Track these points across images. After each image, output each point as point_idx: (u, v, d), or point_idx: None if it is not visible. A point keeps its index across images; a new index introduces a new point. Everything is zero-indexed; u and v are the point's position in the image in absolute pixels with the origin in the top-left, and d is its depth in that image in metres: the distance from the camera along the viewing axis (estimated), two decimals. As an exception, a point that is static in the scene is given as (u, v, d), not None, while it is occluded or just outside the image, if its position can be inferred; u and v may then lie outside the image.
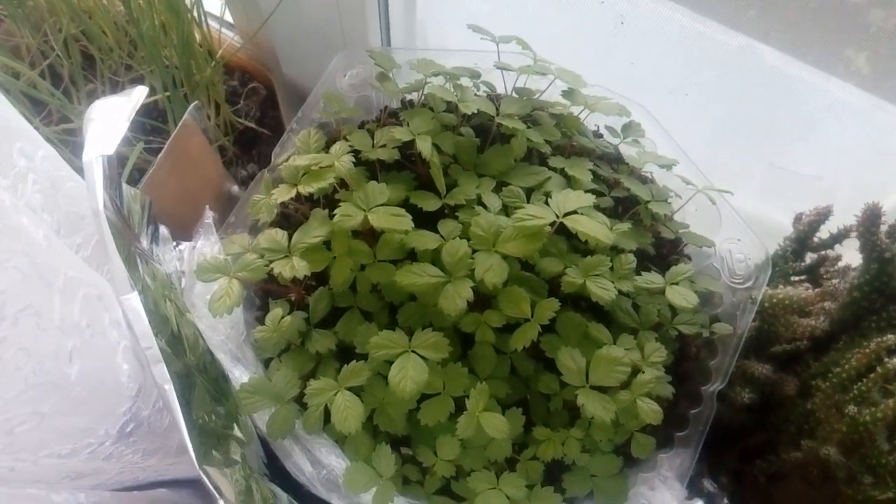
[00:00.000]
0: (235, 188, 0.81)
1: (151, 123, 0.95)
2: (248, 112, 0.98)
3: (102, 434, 0.34)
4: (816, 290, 0.58)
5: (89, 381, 0.31)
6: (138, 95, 0.43)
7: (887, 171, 0.73)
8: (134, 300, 0.35)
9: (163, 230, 0.57)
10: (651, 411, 0.52)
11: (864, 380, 0.55)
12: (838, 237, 0.64)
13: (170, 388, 0.35)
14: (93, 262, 0.43)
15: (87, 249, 0.43)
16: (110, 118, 0.40)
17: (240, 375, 0.55)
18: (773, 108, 0.77)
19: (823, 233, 0.66)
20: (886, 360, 0.53)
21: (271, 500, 0.43)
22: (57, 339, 0.29)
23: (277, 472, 0.54)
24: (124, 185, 0.50)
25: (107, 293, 0.37)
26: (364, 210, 0.53)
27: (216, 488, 0.35)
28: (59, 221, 0.40)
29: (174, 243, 0.59)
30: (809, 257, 0.67)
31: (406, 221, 0.53)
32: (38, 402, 0.29)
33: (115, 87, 0.98)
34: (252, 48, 0.97)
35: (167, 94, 0.90)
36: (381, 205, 0.54)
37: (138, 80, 0.98)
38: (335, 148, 0.57)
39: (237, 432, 0.45)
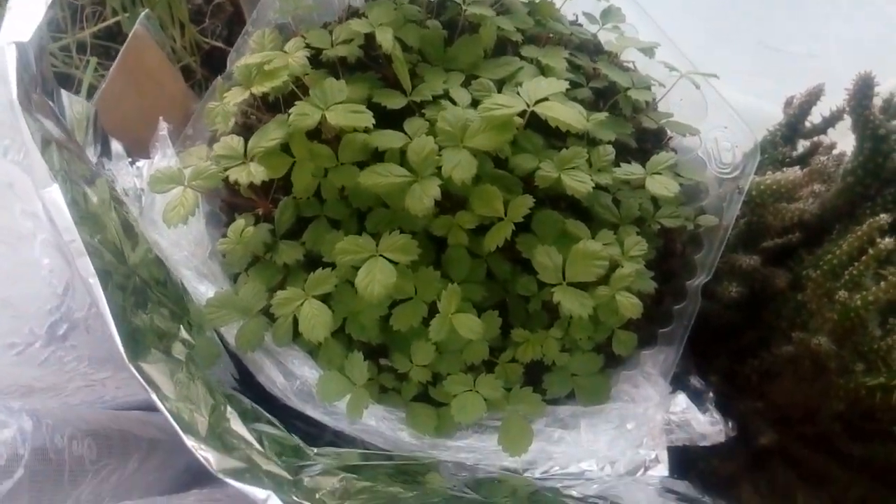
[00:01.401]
0: (202, 107, 0.77)
1: (115, 48, 0.91)
2: (215, 31, 0.93)
3: (27, 333, 0.33)
4: (804, 169, 0.55)
5: (-3, 268, 0.29)
6: (55, -20, 0.39)
7: (885, 49, 0.69)
8: (54, 192, 0.33)
9: (116, 146, 0.55)
10: (630, 305, 0.49)
11: (856, 264, 0.52)
12: (831, 120, 0.61)
13: (95, 282, 0.33)
14: (24, 166, 0.40)
15: (19, 154, 0.40)
16: (28, 3, 0.37)
17: (206, 291, 0.53)
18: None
19: (816, 118, 0.63)
20: (879, 240, 0.51)
21: (220, 398, 0.41)
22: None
23: (252, 388, 0.53)
24: (66, 95, 0.47)
25: (18, 181, 0.35)
26: (322, 109, 0.50)
27: (150, 382, 0.33)
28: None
29: (129, 160, 0.56)
30: (802, 145, 0.63)
31: (367, 118, 0.49)
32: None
33: (73, 10, 0.94)
34: (214, -39, 0.92)
35: (126, 14, 0.86)
36: (341, 103, 0.50)
37: (98, 2, 0.93)
38: (290, 45, 0.54)
39: (184, 334, 0.44)
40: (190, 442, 0.34)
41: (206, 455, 0.34)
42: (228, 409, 0.41)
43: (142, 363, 0.33)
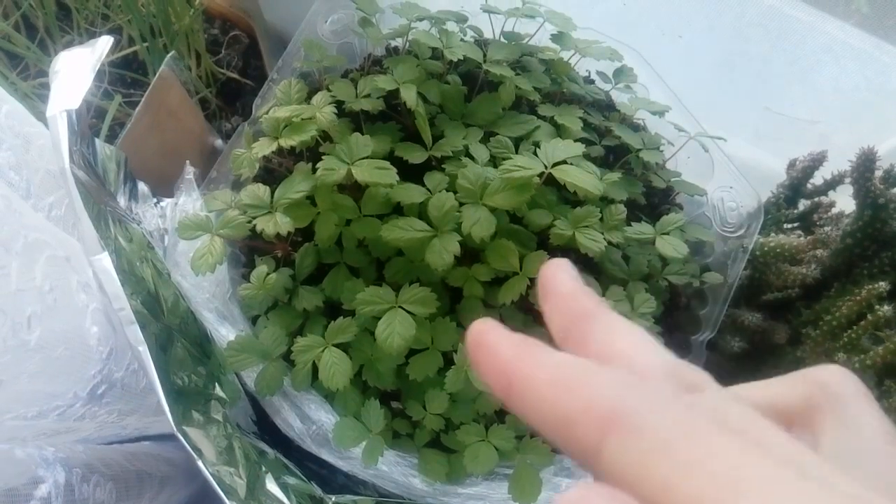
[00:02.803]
0: (219, 142, 0.79)
1: (131, 76, 0.92)
2: (231, 62, 0.95)
3: (71, 397, 0.34)
4: (808, 237, 0.57)
5: (52, 346, 0.31)
6: (103, 45, 0.41)
7: (885, 114, 0.72)
8: (105, 261, 0.34)
9: (142, 187, 0.56)
10: (640, 362, 0.51)
11: (855, 327, 0.55)
12: (832, 183, 0.63)
13: (144, 350, 0.34)
14: (67, 222, 0.42)
15: (60, 209, 0.42)
16: (75, 70, 0.38)
17: (226, 333, 0.55)
18: (770, 51, 0.75)
19: (818, 179, 0.65)
20: (877, 307, 0.53)
21: (254, 457, 0.43)
22: (15, 305, 0.29)
23: (267, 429, 0.54)
24: (98, 142, 0.48)
25: (74, 254, 0.36)
26: (348, 163, 0.52)
27: (195, 448, 0.34)
28: (28, 181, 0.39)
29: (155, 200, 0.57)
30: (803, 204, 0.66)
31: (391, 175, 0.51)
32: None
33: (92, 38, 0.95)
34: (232, -6, 0.94)
35: (146, 44, 0.88)
36: (366, 158, 0.52)
37: (115, 31, 0.95)
38: (317, 99, 0.55)
39: (218, 391, 0.45)
40: (233, 507, 0.35)
41: (249, 519, 0.36)
42: (262, 467, 0.42)
43: (186, 427, 0.34)
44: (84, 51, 0.40)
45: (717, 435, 0.18)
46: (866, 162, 0.52)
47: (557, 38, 0.61)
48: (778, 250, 0.57)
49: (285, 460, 0.48)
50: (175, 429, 0.34)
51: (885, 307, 0.53)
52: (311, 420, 0.54)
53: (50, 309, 0.30)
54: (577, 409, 0.19)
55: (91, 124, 0.45)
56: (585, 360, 0.21)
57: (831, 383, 0.24)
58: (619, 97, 0.64)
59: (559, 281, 0.25)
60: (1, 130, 0.36)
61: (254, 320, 0.58)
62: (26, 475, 0.36)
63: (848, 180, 0.56)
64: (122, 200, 0.50)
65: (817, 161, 0.62)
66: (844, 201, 0.65)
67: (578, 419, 0.19)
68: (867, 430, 0.22)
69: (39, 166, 0.45)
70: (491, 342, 0.22)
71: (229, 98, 0.95)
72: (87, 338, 0.34)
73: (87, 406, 0.35)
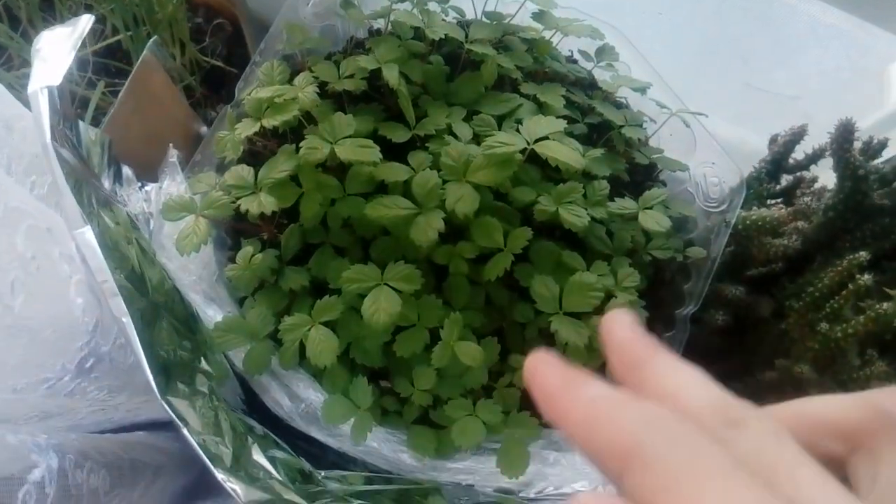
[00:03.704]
0: (204, 129, 0.79)
1: (115, 65, 0.92)
2: (215, 50, 0.95)
3: (59, 368, 0.34)
4: (789, 208, 0.58)
5: (38, 313, 0.31)
6: (84, 24, 0.41)
7: (866, 93, 0.72)
8: (87, 234, 0.34)
9: (126, 171, 0.56)
10: (624, 335, 0.52)
11: (837, 297, 0.55)
12: (813, 157, 0.64)
13: (127, 321, 0.34)
14: (49, 202, 0.42)
15: (42, 188, 0.42)
16: (56, 49, 0.38)
17: (213, 314, 0.55)
18: (752, 30, 0.76)
19: (799, 154, 0.66)
20: (858, 276, 0.54)
21: (241, 430, 0.43)
22: (-2, 270, 0.29)
23: (257, 408, 0.55)
24: (82, 125, 0.48)
25: (57, 226, 0.36)
26: (330, 142, 0.52)
27: (180, 417, 0.35)
28: (9, 157, 0.39)
29: (139, 184, 0.57)
30: (785, 179, 0.66)
31: (374, 153, 0.51)
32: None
33: (76, 28, 0.95)
34: (215, -18, 0.93)
35: (129, 33, 0.87)
36: (349, 137, 0.52)
37: (98, 20, 0.94)
38: (299, 79, 0.55)
39: (204, 365, 0.45)
40: (219, 475, 0.36)
41: (234, 487, 0.36)
42: (249, 439, 0.43)
43: (171, 398, 0.35)
44: (65, 30, 0.40)
45: (732, 476, 0.18)
46: (845, 133, 0.53)
47: (539, 16, 0.61)
48: (760, 223, 0.58)
49: (273, 436, 0.49)
50: (160, 398, 0.34)
51: (866, 276, 0.53)
52: (299, 398, 0.54)
53: (32, 276, 0.31)
54: (601, 445, 0.21)
55: (75, 113, 0.45)
56: (619, 394, 0.22)
57: (892, 409, 0.23)
58: (602, 75, 0.64)
59: (615, 333, 0.26)
60: (-18, 109, 0.36)
61: (241, 302, 0.58)
62: (20, 462, 0.36)
63: (828, 153, 0.56)
64: (106, 183, 0.51)
65: (798, 135, 0.62)
66: (827, 176, 0.66)
67: (603, 454, 0.20)
68: None
69: (23, 150, 0.45)
70: (541, 374, 0.24)
71: (214, 86, 0.95)
72: (72, 308, 0.34)
73: (76, 380, 0.35)
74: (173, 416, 0.34)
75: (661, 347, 0.25)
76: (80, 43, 0.39)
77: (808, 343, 0.58)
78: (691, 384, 0.23)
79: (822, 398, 0.24)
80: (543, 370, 0.24)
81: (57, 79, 0.37)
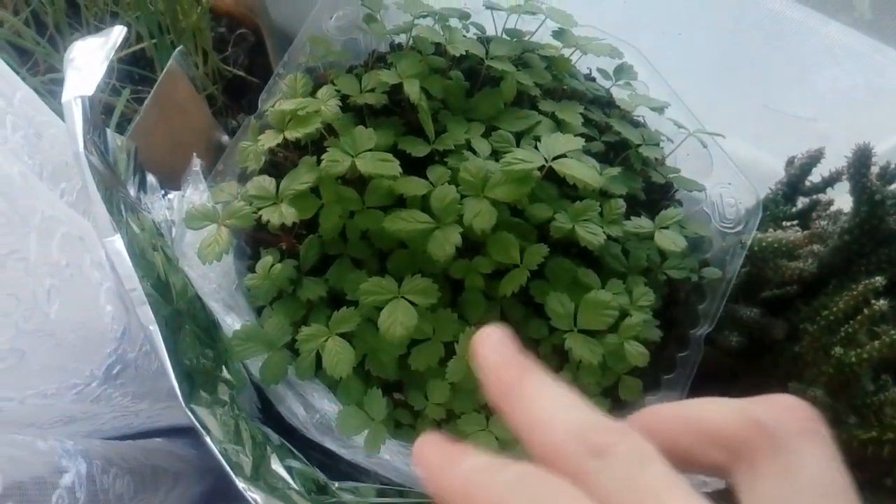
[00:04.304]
0: (225, 137, 0.80)
1: (139, 72, 0.93)
2: (237, 59, 0.96)
3: (88, 375, 0.35)
4: (805, 232, 0.58)
5: (70, 320, 0.32)
6: (117, 35, 0.42)
7: (884, 113, 0.72)
8: (117, 242, 0.35)
9: (151, 179, 0.57)
10: (638, 354, 0.52)
11: (851, 322, 0.55)
12: (830, 180, 0.64)
13: (154, 329, 0.35)
14: (78, 209, 0.43)
15: (72, 195, 0.43)
16: (89, 59, 0.39)
17: (232, 323, 0.56)
18: (770, 51, 0.76)
19: (815, 176, 0.66)
20: (873, 301, 0.54)
21: (260, 439, 0.44)
22: (35, 278, 0.30)
23: (271, 417, 0.55)
24: (109, 133, 0.49)
25: (88, 235, 0.37)
26: (351, 155, 0.53)
27: (203, 426, 0.35)
28: (41, 165, 0.40)
29: (162, 192, 0.58)
30: (801, 202, 0.67)
31: (394, 167, 0.52)
32: (17, 339, 0.29)
33: (101, 35, 0.96)
34: (239, -8, 0.95)
35: (153, 41, 0.89)
36: (369, 150, 0.53)
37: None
38: (322, 92, 0.56)
39: (226, 374, 0.46)
40: (240, 484, 0.36)
41: (255, 496, 0.37)
42: (268, 448, 0.43)
43: (194, 406, 0.35)
44: (98, 40, 0.41)
45: None
46: (862, 158, 0.53)
47: (559, 35, 0.62)
48: (775, 245, 0.58)
49: (290, 446, 0.49)
50: (184, 405, 0.34)
51: (882, 301, 0.53)
52: (314, 409, 0.54)
53: (67, 283, 0.31)
54: None
55: (102, 121, 0.46)
56: (493, 462, 0.22)
57: (770, 422, 0.22)
58: (619, 94, 0.65)
59: (485, 355, 0.26)
60: (15, 116, 0.37)
61: (259, 311, 0.59)
62: (51, 465, 0.37)
63: (845, 177, 0.56)
64: (131, 190, 0.51)
65: (815, 158, 0.63)
66: (843, 200, 0.66)
67: None
68: (803, 480, 0.21)
69: (51, 156, 0.46)
70: (423, 454, 0.25)
71: (235, 95, 0.96)
72: (101, 315, 0.35)
73: (102, 386, 0.36)
74: (197, 424, 0.34)
75: (530, 365, 0.25)
76: (112, 53, 0.40)
77: (822, 367, 0.58)
78: (558, 409, 0.23)
79: (703, 403, 0.24)
80: (425, 449, 0.25)
81: (90, 89, 0.38)
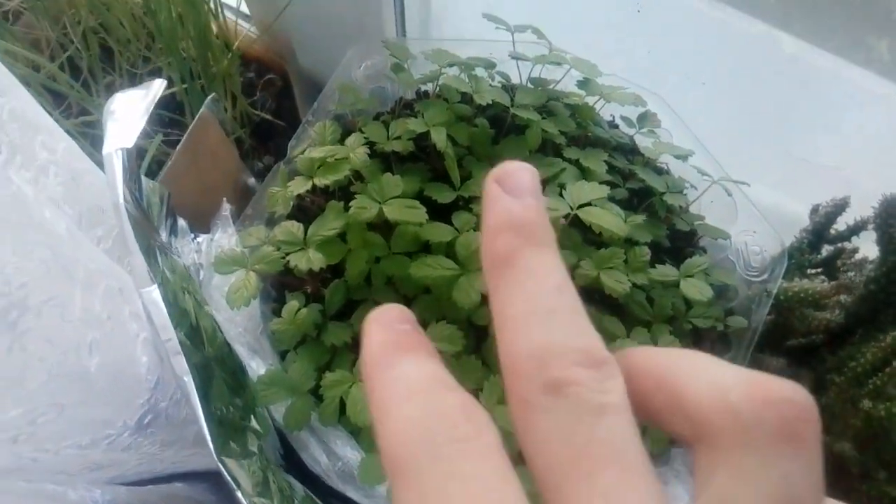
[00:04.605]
0: (252, 180, 0.81)
1: (169, 115, 0.96)
2: (265, 104, 0.98)
3: (121, 425, 0.35)
4: (832, 283, 0.58)
5: (109, 372, 0.32)
6: (157, 88, 0.43)
7: (909, 162, 0.72)
8: (154, 293, 0.36)
9: (181, 222, 0.58)
10: (664, 404, 0.52)
11: (880, 374, 0.55)
12: (855, 229, 0.63)
13: (189, 380, 0.35)
14: (113, 255, 0.44)
15: (107, 242, 0.44)
16: (129, 111, 0.40)
17: (257, 367, 0.56)
18: (792, 97, 0.76)
19: (840, 224, 0.66)
20: (904, 355, 0.53)
21: (287, 492, 0.44)
22: (79, 332, 0.30)
23: (293, 463, 0.55)
24: (143, 178, 0.51)
25: (127, 286, 0.38)
26: (379, 202, 0.53)
27: (234, 479, 0.35)
28: (80, 213, 0.41)
29: (192, 235, 0.59)
30: (826, 249, 0.66)
31: (420, 214, 0.53)
32: (57, 393, 0.30)
33: (133, 79, 0.99)
34: (268, 39, 0.97)
35: (184, 85, 0.91)
36: (397, 197, 0.54)
37: (156, 72, 0.99)
38: (350, 140, 0.58)
39: (254, 424, 0.46)
40: (269, 537, 0.36)
41: (282, 549, 0.36)
42: (294, 501, 0.43)
43: (225, 458, 0.36)
44: (138, 92, 0.42)
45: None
46: (889, 208, 0.53)
47: (583, 84, 0.63)
48: (802, 295, 0.58)
49: (313, 496, 0.49)
50: (216, 458, 0.35)
51: (912, 354, 0.53)
52: (336, 456, 0.54)
53: (107, 337, 0.32)
54: (379, 439, 0.18)
55: (137, 167, 0.48)
56: (423, 376, 0.19)
57: (746, 413, 0.18)
58: (643, 141, 0.65)
59: (494, 199, 0.20)
60: (58, 167, 0.38)
61: (283, 355, 0.59)
62: None
63: (871, 226, 0.56)
64: (163, 235, 0.52)
65: (840, 207, 0.62)
66: (868, 247, 0.65)
67: (381, 452, 0.18)
68: (757, 492, 0.17)
69: (86, 201, 0.47)
70: (369, 332, 0.21)
71: (262, 138, 0.98)
72: (137, 366, 0.35)
73: (133, 436, 0.37)
74: (228, 477, 0.35)
75: (541, 228, 0.20)
76: (152, 107, 0.41)
77: (849, 420, 0.57)
78: (538, 310, 0.18)
79: (688, 362, 0.20)
80: (373, 325, 0.20)
81: (130, 141, 0.39)
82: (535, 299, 0.19)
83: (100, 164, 0.51)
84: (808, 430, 0.18)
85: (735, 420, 0.18)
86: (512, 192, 0.21)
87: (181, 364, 0.35)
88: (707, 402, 0.18)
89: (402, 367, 0.19)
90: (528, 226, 0.20)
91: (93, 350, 0.31)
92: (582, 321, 0.19)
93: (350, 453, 0.54)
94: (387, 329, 0.21)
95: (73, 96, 0.94)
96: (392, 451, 0.17)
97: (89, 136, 0.93)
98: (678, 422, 0.19)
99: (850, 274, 0.59)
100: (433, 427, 0.17)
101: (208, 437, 0.34)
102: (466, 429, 0.18)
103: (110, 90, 0.99)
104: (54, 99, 0.96)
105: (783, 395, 0.18)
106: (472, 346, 0.56)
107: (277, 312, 0.58)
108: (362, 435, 0.54)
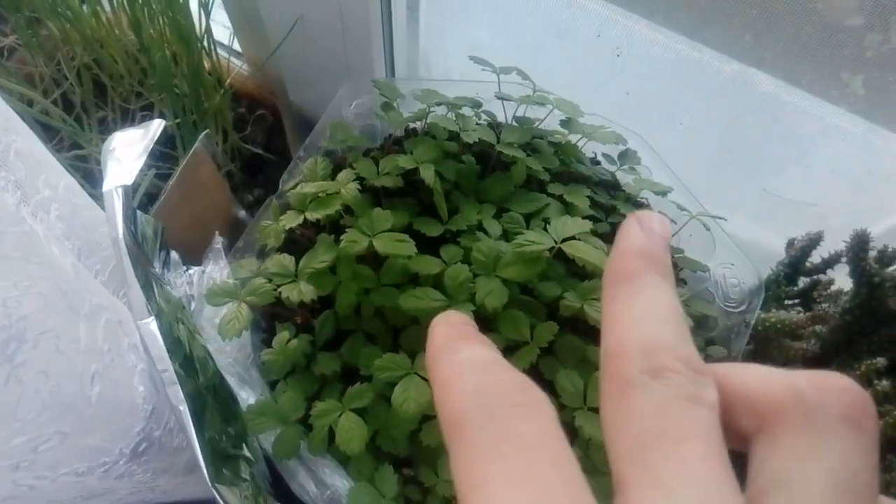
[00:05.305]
0: (242, 213, 0.83)
1: (160, 149, 0.97)
2: (255, 138, 1.00)
3: (117, 453, 0.36)
4: (808, 313, 0.60)
5: (108, 402, 0.33)
6: (156, 128, 0.45)
7: (880, 195, 0.75)
8: (151, 325, 0.37)
9: (174, 255, 0.59)
10: (647, 432, 0.53)
11: (856, 402, 0.56)
12: (830, 262, 0.66)
13: (184, 410, 0.36)
14: (109, 287, 0.45)
15: (104, 275, 0.45)
16: (128, 150, 0.42)
17: (246, 397, 0.57)
18: (767, 134, 0.79)
19: (815, 257, 0.68)
20: (876, 382, 0.55)
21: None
22: (82, 363, 0.31)
23: (281, 491, 0.56)
24: (138, 212, 0.52)
25: (126, 318, 0.39)
26: (369, 236, 0.55)
27: (227, 504, 0.36)
28: (79, 249, 0.42)
29: (184, 267, 0.60)
30: (802, 281, 0.68)
31: (409, 247, 0.54)
32: (61, 422, 0.31)
33: (126, 114, 1.01)
34: (260, 76, 1.00)
35: (177, 120, 0.93)
36: (386, 231, 0.56)
37: (148, 108, 1.01)
38: (341, 176, 0.59)
39: (246, 452, 0.47)
40: (263, 564, 0.37)
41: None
42: (286, 528, 0.44)
43: (218, 485, 0.36)
44: (137, 132, 0.44)
45: (524, 469, 0.17)
46: (860, 243, 0.55)
47: (566, 123, 0.65)
48: (779, 326, 0.59)
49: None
50: (210, 485, 0.35)
51: (884, 382, 0.54)
52: (325, 485, 0.55)
53: (108, 368, 0.33)
54: (441, 411, 0.20)
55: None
56: (483, 357, 0.21)
57: (810, 396, 0.19)
58: (624, 178, 0.68)
59: (627, 236, 0.23)
60: (59, 202, 0.40)
61: (272, 385, 0.60)
62: None
63: (844, 259, 0.58)
64: (157, 267, 0.54)
65: (814, 241, 0.65)
66: (843, 279, 0.68)
67: (443, 422, 0.20)
68: (819, 470, 0.17)
69: (83, 235, 0.48)
70: (433, 333, 0.23)
71: (252, 171, 1.00)
72: (135, 396, 0.36)
73: (128, 464, 0.37)
74: (221, 503, 0.35)
75: (666, 264, 0.22)
76: (151, 145, 0.43)
77: (829, 446, 0.58)
78: (651, 318, 0.21)
79: (752, 367, 0.21)
80: (438, 325, 0.23)
81: (129, 179, 0.40)
82: (652, 308, 0.21)
83: (92, 196, 0.52)
84: (868, 420, 0.19)
85: (800, 403, 0.19)
86: (646, 230, 0.23)
87: (177, 394, 0.36)
88: (774, 391, 0.19)
89: (465, 351, 0.22)
90: (656, 257, 0.22)
91: (94, 381, 0.32)
92: (689, 338, 0.21)
93: (338, 482, 0.54)
94: (451, 325, 0.24)
95: (66, 131, 0.96)
96: (451, 417, 0.19)
97: (80, 170, 0.94)
98: (740, 419, 0.20)
99: (826, 305, 0.61)
100: (491, 394, 0.19)
101: (203, 465, 0.35)
102: (523, 398, 0.20)
103: (102, 125, 1.01)
104: (46, 133, 0.97)
105: (846, 385, 0.19)
106: (459, 377, 0.58)
107: (267, 343, 0.59)
108: (351, 464, 0.55)
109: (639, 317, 0.21)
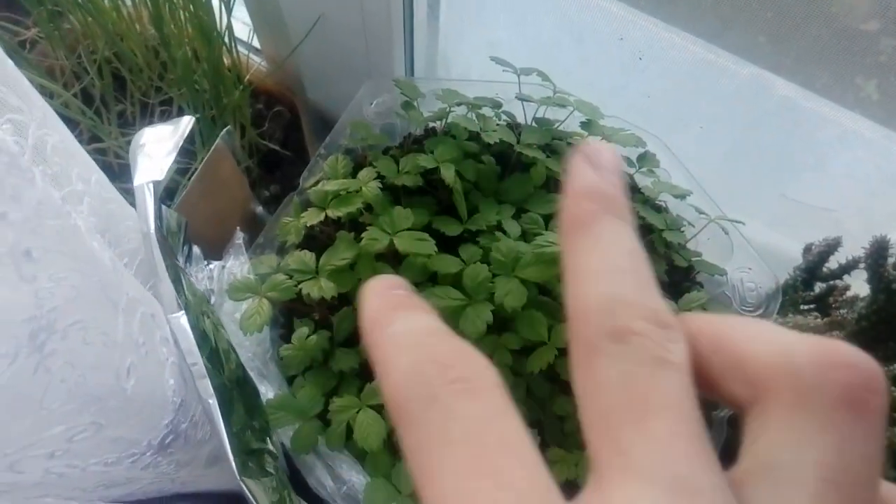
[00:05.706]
0: (260, 209, 0.83)
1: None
2: (273, 135, 1.01)
3: (145, 445, 0.36)
4: (825, 319, 0.60)
5: (142, 395, 0.34)
6: (186, 124, 0.45)
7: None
8: (182, 319, 0.37)
9: (196, 250, 0.60)
10: (663, 434, 0.53)
11: (872, 408, 0.56)
12: (847, 268, 0.66)
13: (213, 402, 0.37)
14: (136, 280, 0.45)
15: (132, 268, 0.45)
16: (158, 146, 0.43)
17: (265, 392, 0.57)
18: (785, 139, 0.79)
19: (833, 263, 0.68)
20: (892, 388, 0.55)
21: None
22: (119, 356, 0.32)
23: (299, 486, 0.56)
24: (163, 207, 0.52)
25: (157, 312, 0.40)
26: (389, 234, 0.55)
27: (255, 498, 0.37)
28: (109, 242, 0.43)
29: (205, 262, 0.61)
30: (819, 287, 0.68)
31: (429, 246, 0.55)
32: (97, 413, 0.31)
33: (145, 108, 1.02)
34: (278, 73, 1.00)
35: (196, 115, 0.93)
36: (406, 229, 0.56)
37: (167, 102, 1.01)
38: (363, 174, 0.60)
39: (270, 445, 0.48)
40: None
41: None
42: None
43: (245, 479, 0.37)
44: (167, 128, 0.45)
45: (468, 455, 0.16)
46: (879, 249, 0.55)
47: (586, 125, 0.65)
48: (795, 331, 0.59)
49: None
50: (238, 478, 0.36)
51: (901, 389, 0.54)
52: (341, 480, 0.55)
53: (142, 360, 0.34)
54: (385, 392, 0.18)
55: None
56: (421, 326, 0.20)
57: (809, 375, 0.17)
58: (643, 181, 0.68)
59: (578, 172, 0.21)
60: (91, 196, 0.40)
61: (290, 380, 0.60)
62: None
63: (862, 265, 0.58)
64: (181, 261, 0.54)
65: (832, 246, 0.65)
66: (859, 285, 0.68)
67: (387, 403, 0.18)
68: (807, 461, 0.16)
69: (112, 229, 0.49)
70: (367, 300, 0.22)
71: (269, 167, 1.00)
72: (165, 389, 0.37)
73: (154, 455, 0.38)
74: (250, 496, 0.36)
75: (620, 202, 0.21)
76: (181, 142, 0.43)
77: (844, 452, 0.58)
78: (611, 269, 0.19)
79: (752, 326, 0.19)
80: (369, 292, 0.21)
81: (161, 174, 0.41)
82: (610, 259, 0.19)
83: (119, 190, 0.53)
84: (873, 400, 0.17)
85: (796, 380, 0.17)
86: (597, 167, 0.21)
87: (206, 387, 0.36)
88: (769, 361, 0.18)
89: (397, 323, 0.20)
90: (608, 197, 0.21)
91: (130, 373, 0.32)
92: (652, 286, 0.19)
93: (355, 477, 0.55)
94: (381, 295, 0.22)
95: (84, 123, 0.97)
96: (392, 401, 0.18)
97: (99, 163, 0.95)
98: (734, 385, 0.19)
99: (842, 311, 0.61)
100: (427, 372, 0.18)
101: (231, 458, 0.36)
102: (461, 371, 0.18)
103: (122, 118, 1.01)
104: (66, 125, 0.98)
105: (850, 360, 0.17)
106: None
107: (285, 338, 0.60)
108: (368, 459, 0.56)
109: (595, 270, 0.19)
